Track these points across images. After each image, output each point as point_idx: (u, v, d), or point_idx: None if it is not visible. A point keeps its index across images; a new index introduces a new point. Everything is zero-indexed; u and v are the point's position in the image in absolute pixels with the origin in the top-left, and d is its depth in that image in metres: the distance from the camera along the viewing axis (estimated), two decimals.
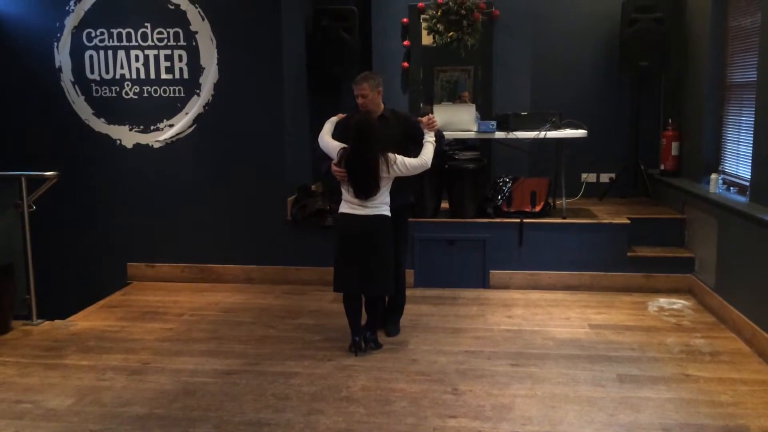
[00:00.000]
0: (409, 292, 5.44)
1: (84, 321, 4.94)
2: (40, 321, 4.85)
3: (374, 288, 4.16)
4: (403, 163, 4.06)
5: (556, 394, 3.57)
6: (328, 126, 4.30)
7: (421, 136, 4.22)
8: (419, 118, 4.30)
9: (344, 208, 4.15)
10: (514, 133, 5.51)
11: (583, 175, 6.67)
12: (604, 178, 6.71)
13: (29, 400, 3.59)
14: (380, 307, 4.34)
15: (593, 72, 6.68)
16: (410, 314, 4.92)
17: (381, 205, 4.10)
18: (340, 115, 4.40)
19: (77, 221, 5.94)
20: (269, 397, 3.58)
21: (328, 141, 4.20)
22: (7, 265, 4.73)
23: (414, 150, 4.17)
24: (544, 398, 3.53)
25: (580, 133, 5.53)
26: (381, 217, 4.11)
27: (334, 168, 4.10)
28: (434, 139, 4.19)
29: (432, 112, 5.79)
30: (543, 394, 3.58)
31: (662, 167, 6.34)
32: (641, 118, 6.56)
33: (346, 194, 4.12)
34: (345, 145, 4.10)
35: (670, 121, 6.27)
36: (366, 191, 4.03)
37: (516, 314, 4.91)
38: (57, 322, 4.88)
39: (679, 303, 5.12)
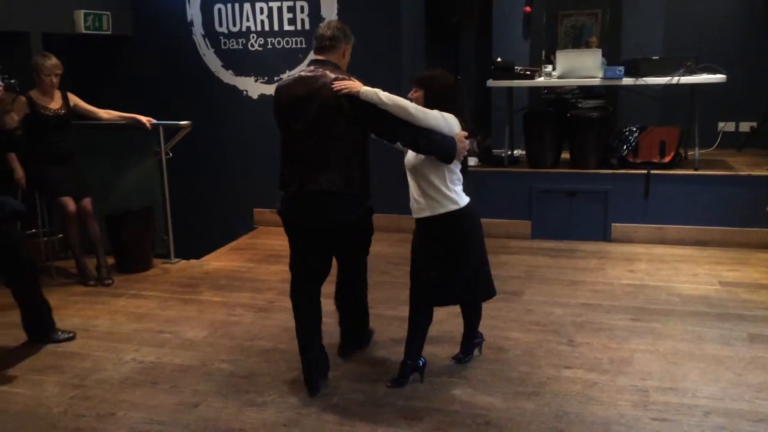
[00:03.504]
0: (525, 243, 5.42)
1: (215, 261, 5.30)
2: (177, 260, 5.25)
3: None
4: None
5: (679, 351, 3.43)
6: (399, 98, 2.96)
7: None
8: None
9: (465, 196, 3.07)
10: (644, 79, 5.20)
11: (720, 124, 6.21)
12: (744, 127, 6.22)
13: (169, 330, 3.93)
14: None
15: (735, 11, 6.14)
16: (526, 265, 4.87)
17: None
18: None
19: (208, 168, 6.30)
20: (386, 339, 3.70)
21: (437, 112, 2.95)
22: (149, 208, 5.13)
23: None
24: (666, 354, 3.40)
25: (718, 78, 5.13)
26: None
27: (467, 141, 3.01)
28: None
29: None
30: (665, 350, 3.45)
31: None
32: None
33: (460, 174, 3.08)
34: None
35: None
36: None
37: (639, 269, 4.73)
38: (192, 261, 5.27)
39: None
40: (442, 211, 3.00)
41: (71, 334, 3.84)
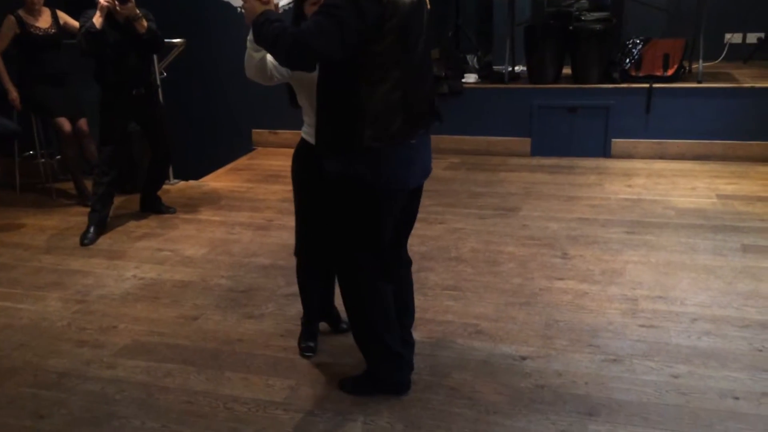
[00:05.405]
0: (524, 160, 5.40)
1: (214, 182, 5.31)
2: (176, 181, 5.27)
3: None
4: None
5: (671, 262, 3.47)
6: None
7: None
8: None
9: None
10: None
11: (727, 36, 6.04)
12: (752, 38, 6.05)
13: (169, 248, 3.99)
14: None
15: None
16: (524, 182, 4.87)
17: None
18: None
19: (205, 89, 6.22)
20: None
21: None
22: None
23: None
24: (658, 265, 3.44)
25: None
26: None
27: None
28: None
29: None
30: (657, 261, 3.49)
31: None
32: None
33: None
34: None
35: None
36: None
37: (637, 184, 4.72)
38: (191, 182, 5.29)
39: None
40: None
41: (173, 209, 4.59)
